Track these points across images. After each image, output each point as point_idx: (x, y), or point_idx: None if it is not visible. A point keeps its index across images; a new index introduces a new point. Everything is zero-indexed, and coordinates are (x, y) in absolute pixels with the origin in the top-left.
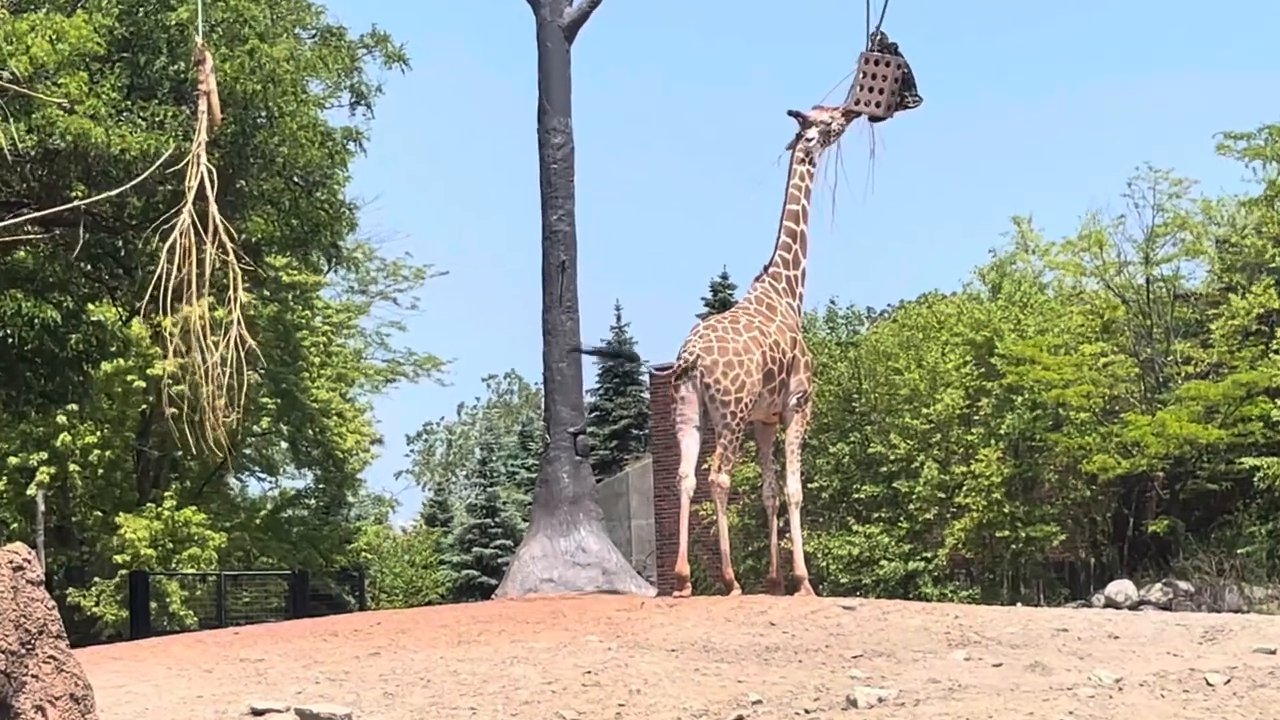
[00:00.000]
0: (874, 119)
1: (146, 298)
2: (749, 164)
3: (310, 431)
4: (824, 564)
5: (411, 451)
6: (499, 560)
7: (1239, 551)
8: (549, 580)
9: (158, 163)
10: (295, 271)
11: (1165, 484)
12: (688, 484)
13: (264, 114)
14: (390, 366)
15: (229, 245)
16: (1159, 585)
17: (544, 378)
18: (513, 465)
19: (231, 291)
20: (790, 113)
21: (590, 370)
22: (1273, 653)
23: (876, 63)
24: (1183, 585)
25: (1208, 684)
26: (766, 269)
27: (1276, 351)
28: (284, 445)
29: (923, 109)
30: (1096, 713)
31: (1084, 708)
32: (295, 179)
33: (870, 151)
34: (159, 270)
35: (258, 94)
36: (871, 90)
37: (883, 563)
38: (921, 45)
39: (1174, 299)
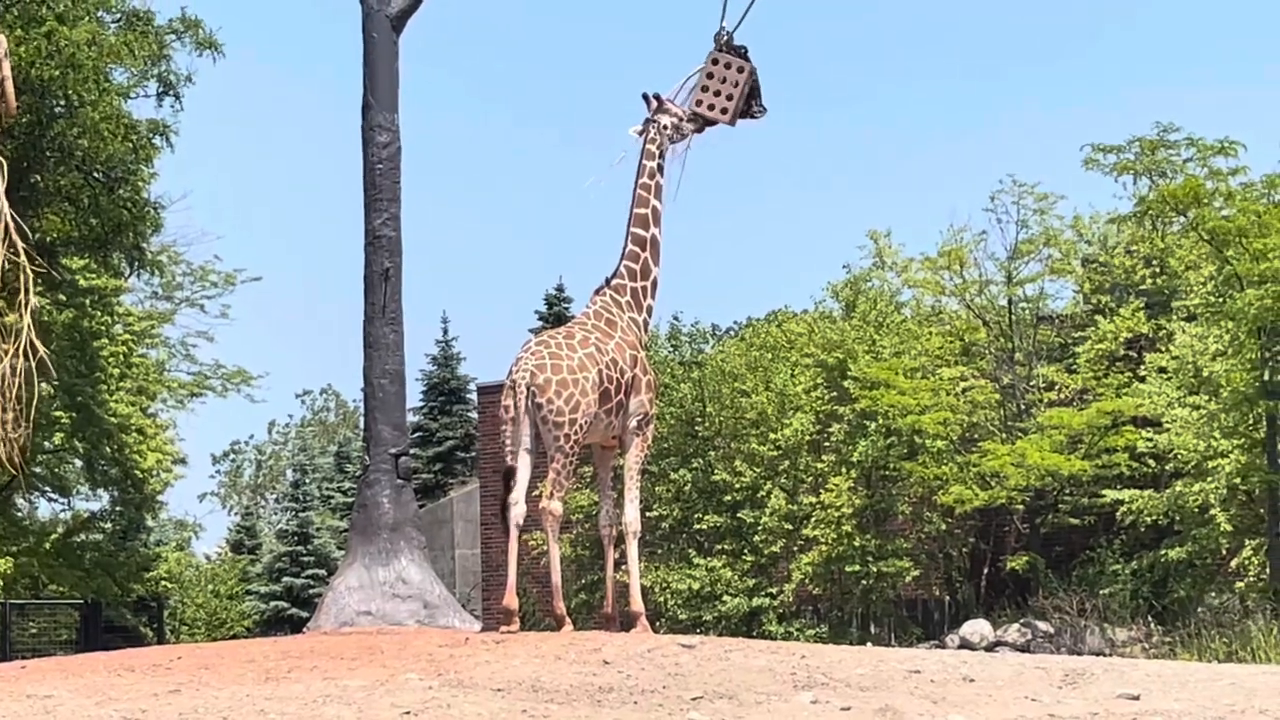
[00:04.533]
0: (711, 123)
1: None
2: (589, 166)
3: (107, 449)
4: (662, 599)
5: (218, 472)
6: (311, 591)
7: (1101, 591)
8: (366, 613)
9: None
10: (94, 275)
11: (1025, 518)
12: (517, 511)
13: (62, 103)
14: (196, 380)
15: (20, 245)
16: (1017, 625)
17: (364, 394)
18: (328, 488)
19: (22, 295)
20: (646, 96)
21: (414, 388)
22: (1136, 698)
23: (727, 65)
24: (1042, 626)
25: None
26: (609, 280)
27: (1144, 378)
28: (78, 463)
29: (771, 116)
30: None
31: None
32: (96, 174)
33: (682, 157)
34: None
35: (55, 80)
36: (719, 95)
37: (725, 598)
38: (773, 49)
39: (1037, 321)
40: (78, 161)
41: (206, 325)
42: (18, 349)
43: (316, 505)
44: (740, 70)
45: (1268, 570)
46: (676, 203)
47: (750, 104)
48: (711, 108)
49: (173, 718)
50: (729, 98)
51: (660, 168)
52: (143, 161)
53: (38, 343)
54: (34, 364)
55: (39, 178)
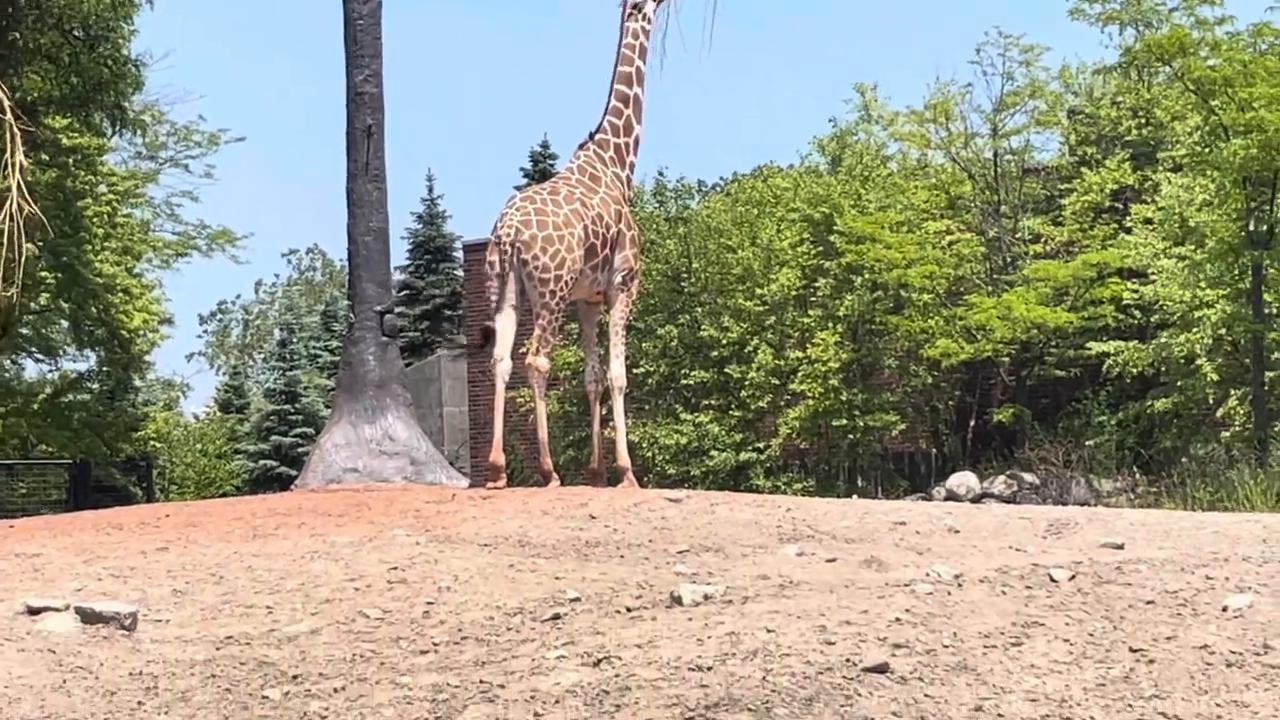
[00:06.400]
0: None
1: None
2: (575, 22)
3: (93, 309)
4: (650, 454)
5: (205, 333)
6: (299, 449)
7: (1087, 442)
8: (353, 470)
9: None
10: (76, 134)
11: (1011, 370)
12: (503, 368)
13: None
14: (181, 240)
15: (4, 104)
16: (1003, 477)
17: (348, 252)
18: (315, 347)
19: (9, 154)
20: None
21: (400, 247)
22: (1120, 547)
23: None
24: (1027, 477)
25: (1051, 579)
26: (593, 136)
27: (1130, 230)
28: (64, 324)
29: None
30: (934, 609)
31: (921, 604)
32: (75, 32)
33: (668, 7)
34: None
35: None
36: None
37: (712, 453)
38: None
39: (1023, 173)
40: (56, 18)
41: (191, 185)
42: (6, 209)
43: (304, 364)
44: None
45: (1252, 420)
46: (665, 57)
47: None
48: None
49: (161, 575)
50: None
51: (645, 29)
52: (122, 18)
53: (26, 202)
54: (21, 224)
55: (17, 35)
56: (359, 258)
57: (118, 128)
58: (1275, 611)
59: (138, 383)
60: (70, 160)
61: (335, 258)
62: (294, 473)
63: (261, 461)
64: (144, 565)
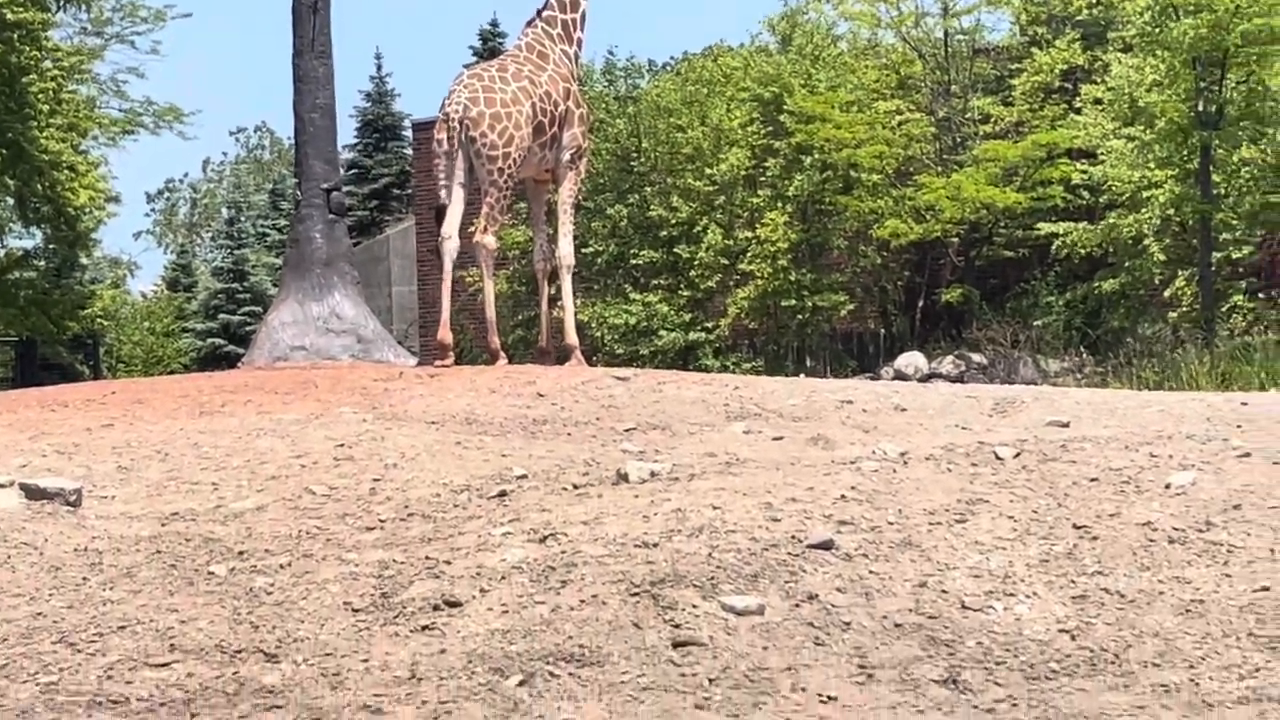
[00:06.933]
0: None
1: None
2: None
3: (39, 186)
4: (599, 334)
5: (152, 211)
6: (247, 328)
7: (1035, 323)
8: (300, 348)
9: None
10: (21, 9)
11: (960, 251)
12: (450, 245)
13: None
14: (128, 117)
15: None
16: (950, 357)
17: (295, 129)
18: (263, 226)
19: None
20: None
21: (349, 125)
22: (1065, 425)
23: None
24: (975, 357)
25: (996, 457)
26: (540, 13)
27: (1079, 110)
28: (9, 201)
29: None
30: (880, 487)
31: (867, 482)
32: None
33: None
34: None
35: None
36: None
37: (661, 333)
38: None
39: (974, 53)
40: None
41: (137, 62)
42: None
43: (252, 243)
44: None
45: (1199, 300)
46: None
47: None
48: None
49: (106, 451)
50: None
51: None
52: None
53: None
54: None
55: None
56: (305, 135)
57: (62, 2)
58: (1217, 489)
59: (84, 260)
60: (15, 35)
61: (283, 136)
62: (242, 351)
63: (209, 340)
64: (89, 442)
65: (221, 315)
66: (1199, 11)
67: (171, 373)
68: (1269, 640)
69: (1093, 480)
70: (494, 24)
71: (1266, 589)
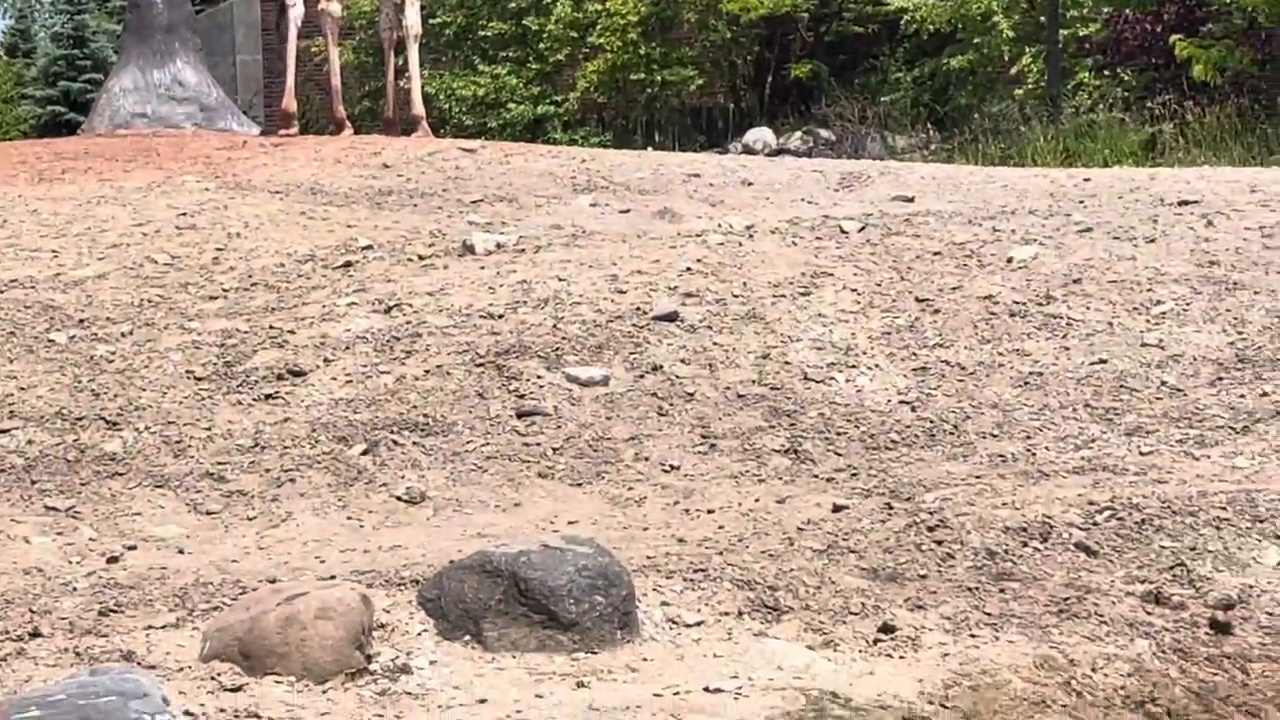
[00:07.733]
0: None
1: None
2: None
3: None
4: (446, 106)
5: None
6: (88, 96)
7: (883, 99)
8: (141, 115)
9: None
10: None
11: (810, 26)
12: (295, 13)
13: None
14: None
15: None
16: (799, 133)
17: None
18: None
19: None
20: None
21: None
22: (910, 200)
23: None
24: (824, 133)
25: (841, 231)
26: None
27: None
28: None
29: None
30: (725, 259)
31: (712, 255)
32: None
33: None
34: None
35: None
36: None
37: (510, 106)
38: None
39: None
40: None
41: None
42: None
43: (92, 8)
44: None
45: (1046, 77)
46: None
47: None
48: None
49: None
50: None
51: None
52: None
53: None
54: None
55: None
56: None
57: None
58: (1058, 263)
59: None
60: None
61: None
62: (83, 119)
63: (50, 108)
64: None
65: (62, 83)
66: None
67: (10, 139)
68: (1104, 412)
69: (936, 254)
70: None
71: (1104, 361)
